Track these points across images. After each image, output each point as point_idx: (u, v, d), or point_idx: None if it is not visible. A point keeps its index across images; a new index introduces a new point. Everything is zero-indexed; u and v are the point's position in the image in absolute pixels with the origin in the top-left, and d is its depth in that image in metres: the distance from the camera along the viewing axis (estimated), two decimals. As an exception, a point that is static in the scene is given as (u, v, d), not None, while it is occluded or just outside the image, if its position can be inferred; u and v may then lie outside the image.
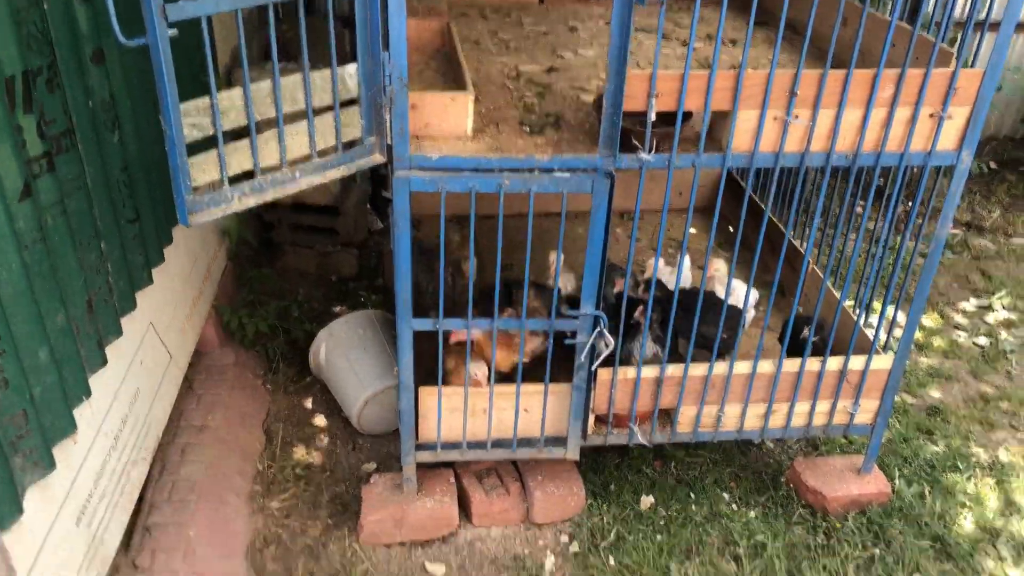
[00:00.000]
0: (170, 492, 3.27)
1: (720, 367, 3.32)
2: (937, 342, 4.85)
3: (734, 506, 3.74)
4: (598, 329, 3.06)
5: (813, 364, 3.39)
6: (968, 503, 3.79)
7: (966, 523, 3.70)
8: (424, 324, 2.99)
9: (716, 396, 3.40)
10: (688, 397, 3.38)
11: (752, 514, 3.70)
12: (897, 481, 3.84)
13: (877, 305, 4.43)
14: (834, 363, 3.41)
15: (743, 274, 4.16)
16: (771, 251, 3.40)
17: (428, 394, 3.20)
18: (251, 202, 2.52)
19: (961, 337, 4.91)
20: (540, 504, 3.53)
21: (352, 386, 3.75)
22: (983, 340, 4.86)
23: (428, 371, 3.18)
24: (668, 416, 3.47)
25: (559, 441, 3.39)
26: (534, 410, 3.30)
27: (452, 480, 3.54)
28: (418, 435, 3.30)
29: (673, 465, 3.87)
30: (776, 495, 3.78)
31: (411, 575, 3.32)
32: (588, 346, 3.09)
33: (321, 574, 3.28)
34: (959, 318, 5.07)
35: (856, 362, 3.42)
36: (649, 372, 3.31)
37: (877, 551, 3.54)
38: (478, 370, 3.22)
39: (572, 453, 3.40)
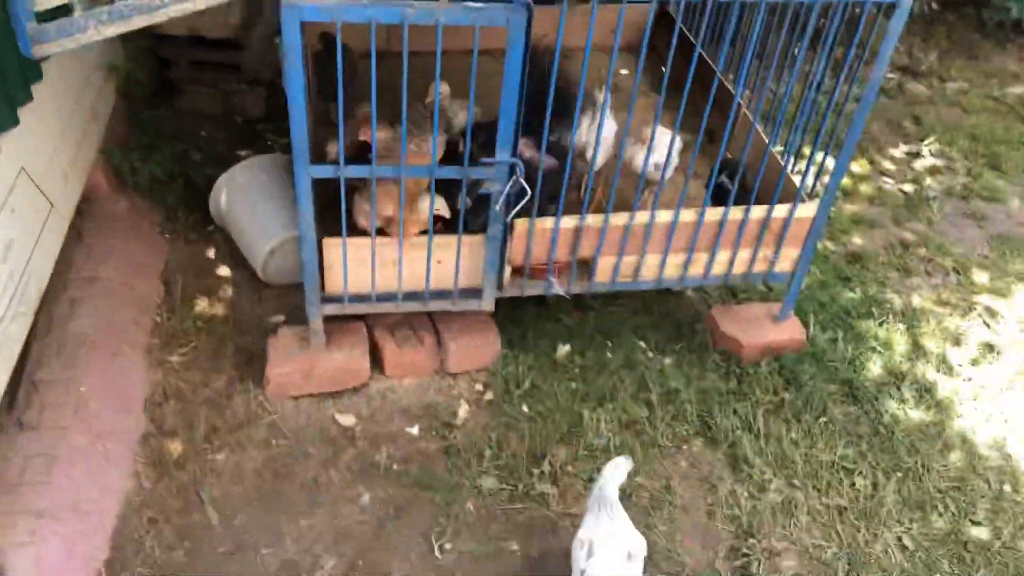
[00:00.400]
0: (59, 347, 3.07)
1: (642, 216, 3.19)
2: (864, 188, 4.80)
3: (650, 354, 3.73)
4: (514, 178, 2.87)
5: (736, 213, 3.28)
6: (878, 348, 3.86)
7: (874, 367, 3.77)
8: (324, 171, 2.76)
9: (636, 246, 3.29)
10: (607, 247, 3.26)
11: (667, 361, 3.70)
12: (812, 328, 3.86)
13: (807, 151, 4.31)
14: (758, 211, 3.31)
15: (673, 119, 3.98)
16: (704, 93, 3.21)
17: (332, 246, 3.01)
18: (111, 31, 2.21)
19: (887, 184, 4.87)
20: (454, 354, 3.45)
21: (256, 235, 3.53)
22: (909, 187, 4.83)
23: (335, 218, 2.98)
24: (587, 266, 3.36)
25: (474, 293, 3.27)
26: (447, 262, 3.15)
27: (364, 332, 3.42)
28: (324, 287, 3.14)
29: (592, 315, 3.81)
30: (692, 343, 3.77)
31: (320, 425, 3.26)
32: (503, 195, 2.91)
33: (225, 427, 3.19)
34: (887, 164, 5.01)
35: (780, 210, 3.32)
36: (568, 222, 3.16)
37: (787, 395, 3.59)
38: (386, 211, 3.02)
39: (487, 304, 3.29)
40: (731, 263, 3.45)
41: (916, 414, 3.62)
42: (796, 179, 3.38)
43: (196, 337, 3.47)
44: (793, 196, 3.31)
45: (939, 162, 5.04)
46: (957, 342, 3.98)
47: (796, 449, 3.39)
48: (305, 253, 2.95)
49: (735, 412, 3.52)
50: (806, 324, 3.85)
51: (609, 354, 3.68)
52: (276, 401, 3.29)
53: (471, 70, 2.66)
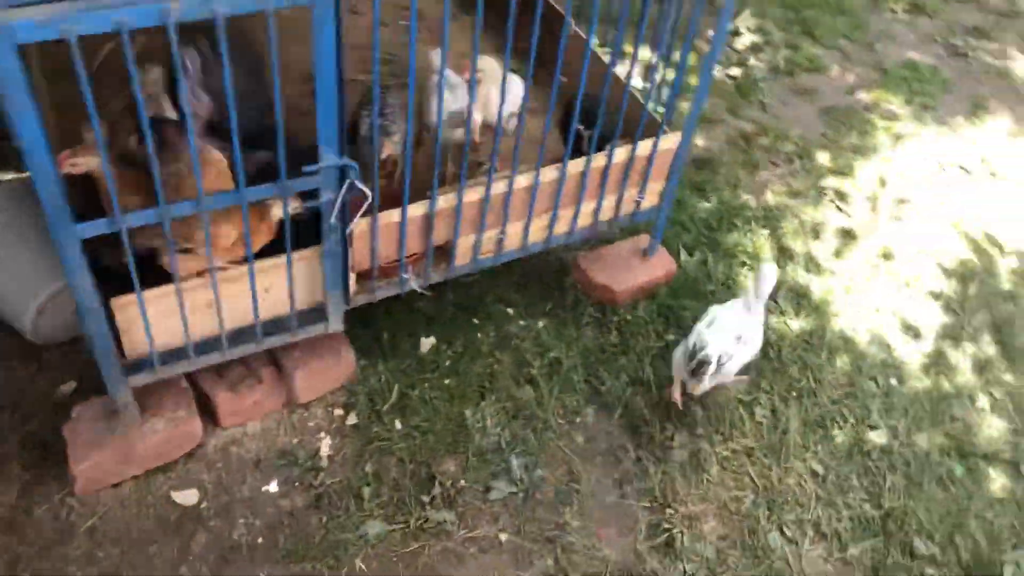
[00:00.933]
0: None
1: (500, 186, 2.68)
2: (694, 81, 4.48)
3: (521, 322, 3.31)
4: (348, 181, 2.25)
5: (599, 160, 2.84)
6: (748, 262, 3.65)
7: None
8: (97, 228, 2.01)
9: (496, 219, 2.79)
10: (465, 227, 2.74)
11: (541, 325, 3.30)
12: (680, 255, 3.58)
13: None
14: (621, 154, 2.89)
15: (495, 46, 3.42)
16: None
17: (125, 306, 2.28)
18: None
19: (716, 71, 4.58)
20: (302, 381, 2.87)
21: (14, 292, 2.68)
22: (736, 71, 4.57)
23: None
24: (444, 252, 2.84)
25: (317, 313, 2.67)
26: (277, 287, 2.51)
27: (184, 385, 2.74)
28: (124, 354, 2.42)
29: (449, 291, 3.31)
30: (564, 300, 3.39)
31: (155, 514, 2.61)
32: (338, 203, 2.29)
33: (31, 552, 2.47)
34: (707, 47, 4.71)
35: (643, 147, 2.92)
36: (416, 210, 2.60)
37: (671, 336, 3.33)
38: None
39: (335, 325, 2.71)
40: (596, 213, 3.04)
41: (797, 324, 3.48)
42: (651, 108, 2.97)
43: (-40, 442, 2.65)
44: (652, 129, 2.91)
45: (758, 38, 4.80)
46: (817, 235, 3.86)
47: (692, 395, 3.16)
48: (90, 325, 2.21)
49: (623, 370, 3.21)
50: (674, 253, 3.56)
51: (479, 334, 3.23)
52: (91, 499, 2.59)
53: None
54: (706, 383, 2.89)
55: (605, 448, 3.02)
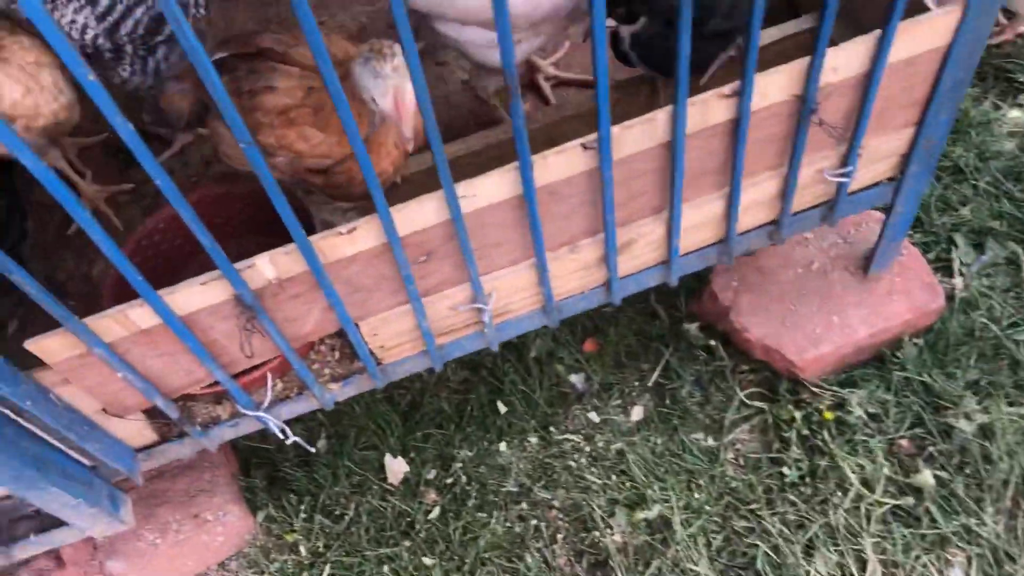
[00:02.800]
0: None
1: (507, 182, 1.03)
2: None
3: (592, 413, 1.66)
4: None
5: (769, 89, 1.07)
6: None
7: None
8: None
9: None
10: (373, 298, 1.12)
11: (632, 418, 1.65)
12: (955, 267, 1.70)
13: None
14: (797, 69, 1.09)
15: None
16: None
17: None
18: None
19: None
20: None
21: None
22: None
23: None
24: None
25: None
26: None
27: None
28: None
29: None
30: (681, 356, 1.67)
31: None
32: None
33: None
34: None
35: (857, 50, 1.10)
36: (206, 297, 1.02)
37: (938, 461, 1.54)
38: None
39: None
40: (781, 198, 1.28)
41: None
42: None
43: None
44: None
45: None
46: None
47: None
48: None
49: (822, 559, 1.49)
50: (934, 265, 1.69)
51: (502, 446, 1.63)
52: None
53: None
54: None
55: None
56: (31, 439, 1.06)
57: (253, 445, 1.65)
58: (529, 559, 1.50)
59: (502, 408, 1.66)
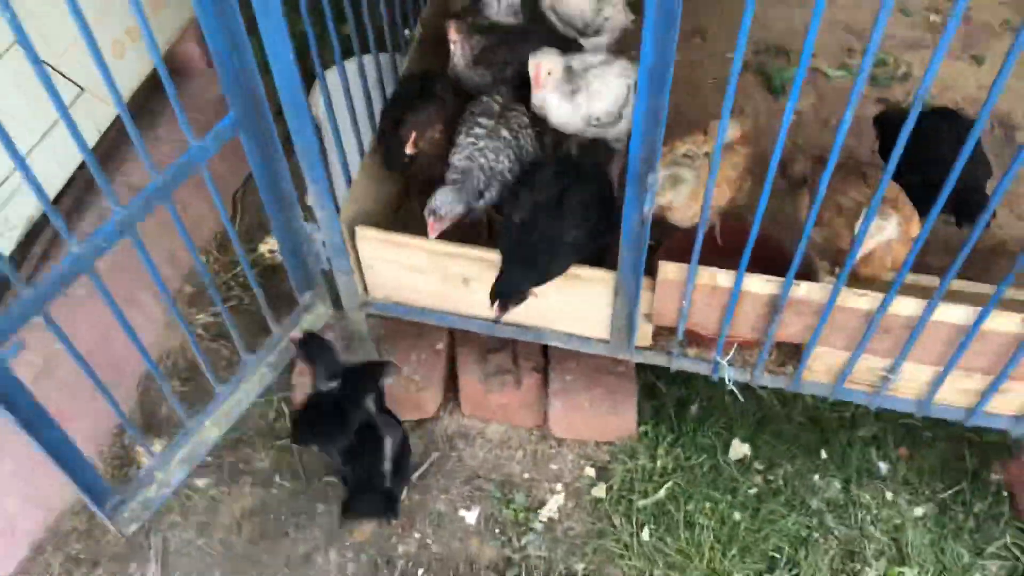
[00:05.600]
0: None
1: (909, 306, 1.68)
2: None
3: (888, 493, 2.23)
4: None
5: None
6: None
7: None
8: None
9: (891, 346, 1.78)
10: (833, 336, 1.80)
11: (919, 512, 2.19)
12: None
13: None
14: None
15: None
16: None
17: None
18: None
19: None
20: (561, 413, 2.27)
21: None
22: None
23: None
24: (795, 352, 1.94)
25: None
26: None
27: (442, 347, 2.35)
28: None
29: (800, 402, 2.36)
30: (973, 490, 2.21)
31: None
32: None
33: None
34: None
35: None
36: (757, 286, 1.75)
37: None
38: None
39: (611, 350, 2.03)
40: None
41: None
42: None
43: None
44: None
45: None
46: None
47: None
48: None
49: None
50: None
51: (816, 476, 2.25)
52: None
53: None
54: None
55: None
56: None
57: (651, 383, 2.38)
58: (800, 555, 2.11)
59: (823, 454, 2.29)
